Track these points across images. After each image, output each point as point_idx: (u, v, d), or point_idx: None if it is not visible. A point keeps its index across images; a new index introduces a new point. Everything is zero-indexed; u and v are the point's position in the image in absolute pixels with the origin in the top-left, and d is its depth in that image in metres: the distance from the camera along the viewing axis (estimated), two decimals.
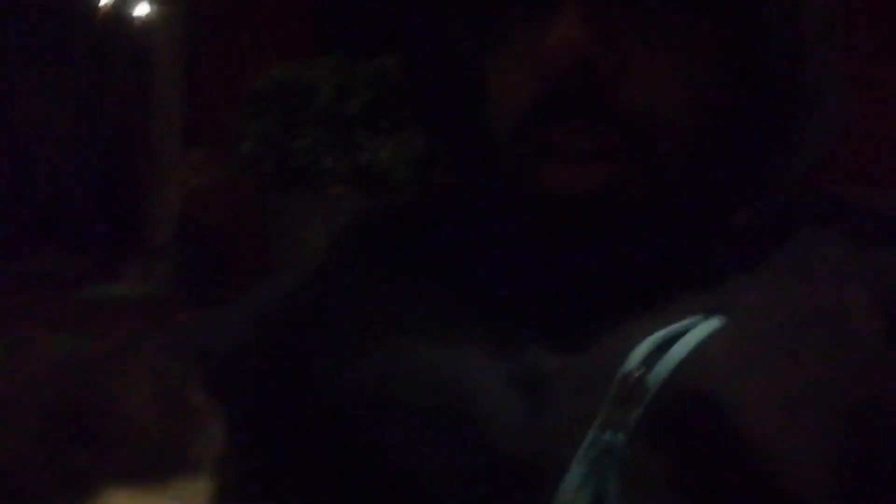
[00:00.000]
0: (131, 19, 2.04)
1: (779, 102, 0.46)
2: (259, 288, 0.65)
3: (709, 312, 0.43)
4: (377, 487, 0.46)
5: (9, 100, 2.01)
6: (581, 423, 0.41)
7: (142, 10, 2.03)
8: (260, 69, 1.55)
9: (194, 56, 1.89)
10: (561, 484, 0.40)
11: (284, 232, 1.55)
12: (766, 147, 0.46)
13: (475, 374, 0.45)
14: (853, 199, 0.52)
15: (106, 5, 2.03)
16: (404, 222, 0.59)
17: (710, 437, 0.39)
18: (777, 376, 0.40)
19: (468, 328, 0.47)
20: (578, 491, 0.40)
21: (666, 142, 0.45)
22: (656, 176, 0.46)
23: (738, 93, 0.46)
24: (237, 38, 1.81)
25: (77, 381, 0.39)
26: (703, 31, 0.45)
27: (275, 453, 0.54)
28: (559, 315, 0.47)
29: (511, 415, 0.43)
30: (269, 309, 0.60)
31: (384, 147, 1.51)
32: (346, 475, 0.48)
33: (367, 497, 0.46)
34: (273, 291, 0.62)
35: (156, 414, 0.38)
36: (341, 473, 0.48)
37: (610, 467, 0.40)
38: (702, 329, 0.42)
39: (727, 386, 0.40)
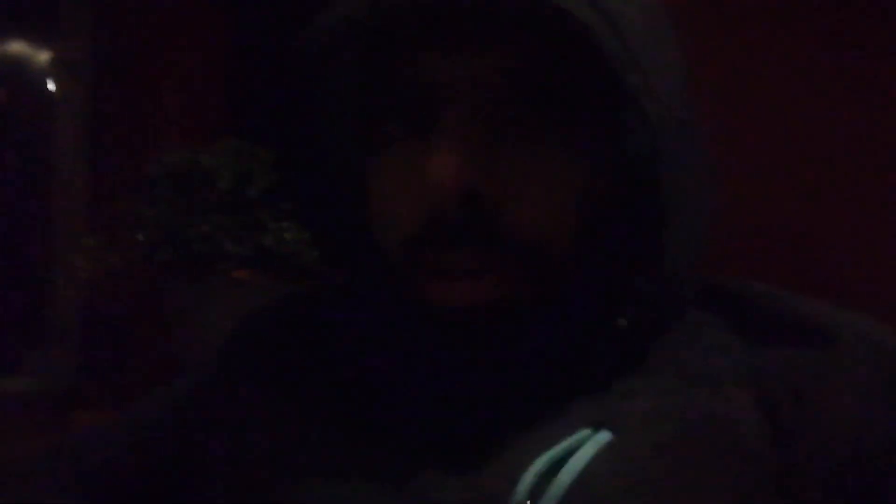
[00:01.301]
0: (34, 98, 2.01)
1: (642, 207, 0.47)
2: (151, 396, 0.64)
3: (596, 425, 0.43)
4: None
5: None
6: None
7: (44, 88, 2.00)
8: (161, 153, 1.52)
9: (96, 138, 1.86)
10: None
11: (186, 318, 1.51)
12: (639, 249, 0.47)
13: None
14: (745, 294, 0.52)
15: (7, 84, 1.99)
16: (299, 322, 0.58)
17: None
18: (665, 494, 0.41)
19: (361, 452, 0.47)
20: None
21: (549, 256, 0.46)
22: (541, 287, 0.46)
23: (610, 201, 0.48)
24: (140, 122, 1.79)
25: None
26: (574, 147, 0.46)
27: None
28: (452, 437, 0.46)
29: None
30: (158, 422, 0.59)
31: (288, 229, 1.49)
32: None
33: None
34: (164, 401, 0.61)
35: None
36: None
37: None
38: (588, 449, 0.42)
39: None
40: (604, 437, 0.43)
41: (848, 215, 0.96)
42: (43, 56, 2.05)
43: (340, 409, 0.50)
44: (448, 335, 0.48)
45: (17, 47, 2.07)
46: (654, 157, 0.45)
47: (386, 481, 0.45)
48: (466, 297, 0.46)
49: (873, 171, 0.95)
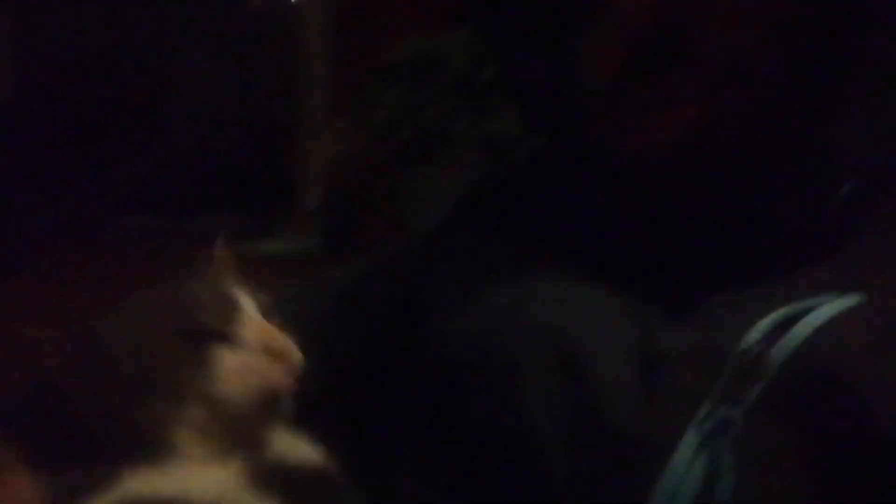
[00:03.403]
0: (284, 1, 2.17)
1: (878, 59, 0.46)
2: (387, 248, 0.68)
3: (844, 290, 0.41)
4: (491, 451, 0.47)
5: (179, 81, 2.21)
6: (694, 396, 0.40)
7: None
8: (399, 41, 1.62)
9: (340, 31, 1.99)
10: (673, 455, 0.39)
11: (418, 196, 1.62)
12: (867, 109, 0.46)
13: (594, 343, 0.45)
14: None
15: None
16: (525, 188, 0.59)
17: (837, 418, 0.37)
18: None
19: (589, 296, 0.48)
20: (692, 463, 0.39)
21: (746, 89, 0.46)
22: (740, 125, 0.46)
23: (818, 47, 0.46)
24: (379, 13, 1.89)
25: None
26: None
27: (393, 410, 0.55)
28: (679, 287, 0.46)
29: (626, 386, 0.43)
30: (393, 269, 0.62)
31: (515, 114, 1.54)
32: (460, 438, 0.49)
33: (481, 459, 0.48)
34: (395, 250, 0.66)
35: None
36: (456, 435, 0.49)
37: (725, 441, 0.39)
38: (832, 306, 0.40)
39: (859, 366, 0.38)
40: (850, 300, 0.40)
41: None
42: None
43: (572, 260, 0.50)
44: (655, 171, 0.48)
45: None
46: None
47: (616, 323, 0.45)
48: (668, 132, 0.46)
49: None
